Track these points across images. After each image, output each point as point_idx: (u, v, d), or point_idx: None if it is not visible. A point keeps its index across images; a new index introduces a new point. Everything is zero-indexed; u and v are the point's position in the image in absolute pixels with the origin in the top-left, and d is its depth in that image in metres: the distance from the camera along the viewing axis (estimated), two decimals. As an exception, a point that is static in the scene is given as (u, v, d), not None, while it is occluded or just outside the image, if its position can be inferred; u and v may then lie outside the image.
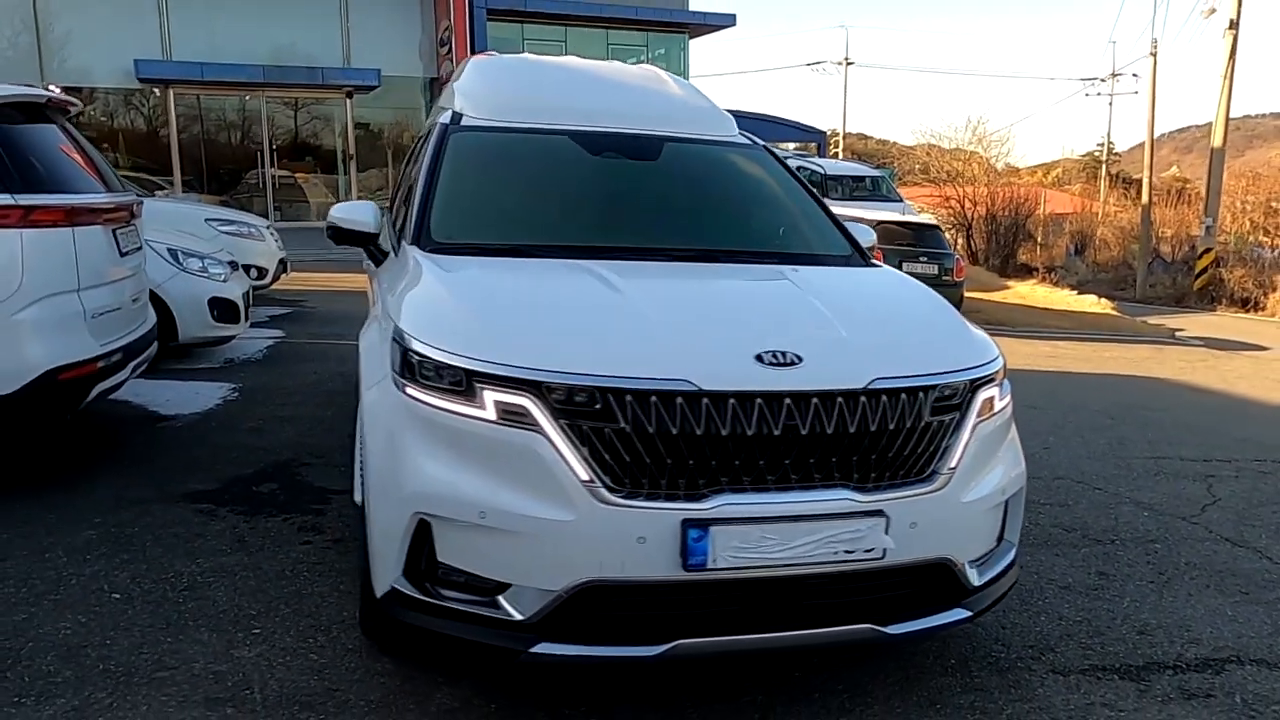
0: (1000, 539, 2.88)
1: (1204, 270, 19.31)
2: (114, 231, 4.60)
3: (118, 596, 3.28)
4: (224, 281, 7.03)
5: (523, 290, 2.90)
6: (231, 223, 9.37)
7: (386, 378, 2.63)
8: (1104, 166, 40.11)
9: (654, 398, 2.35)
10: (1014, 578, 2.94)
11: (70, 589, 3.32)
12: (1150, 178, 23.88)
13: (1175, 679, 3.02)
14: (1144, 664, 3.11)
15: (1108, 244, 29.62)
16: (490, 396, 2.38)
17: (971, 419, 2.66)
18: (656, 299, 2.81)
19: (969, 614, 2.71)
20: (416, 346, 2.53)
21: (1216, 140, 19.51)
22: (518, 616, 2.40)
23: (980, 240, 27.53)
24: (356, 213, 3.60)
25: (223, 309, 6.94)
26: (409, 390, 2.52)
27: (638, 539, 2.34)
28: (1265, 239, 23.39)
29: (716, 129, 4.22)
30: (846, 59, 39.44)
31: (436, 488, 2.43)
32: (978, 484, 2.69)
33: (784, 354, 2.47)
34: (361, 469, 3.84)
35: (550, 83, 4.32)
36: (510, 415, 2.37)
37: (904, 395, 2.52)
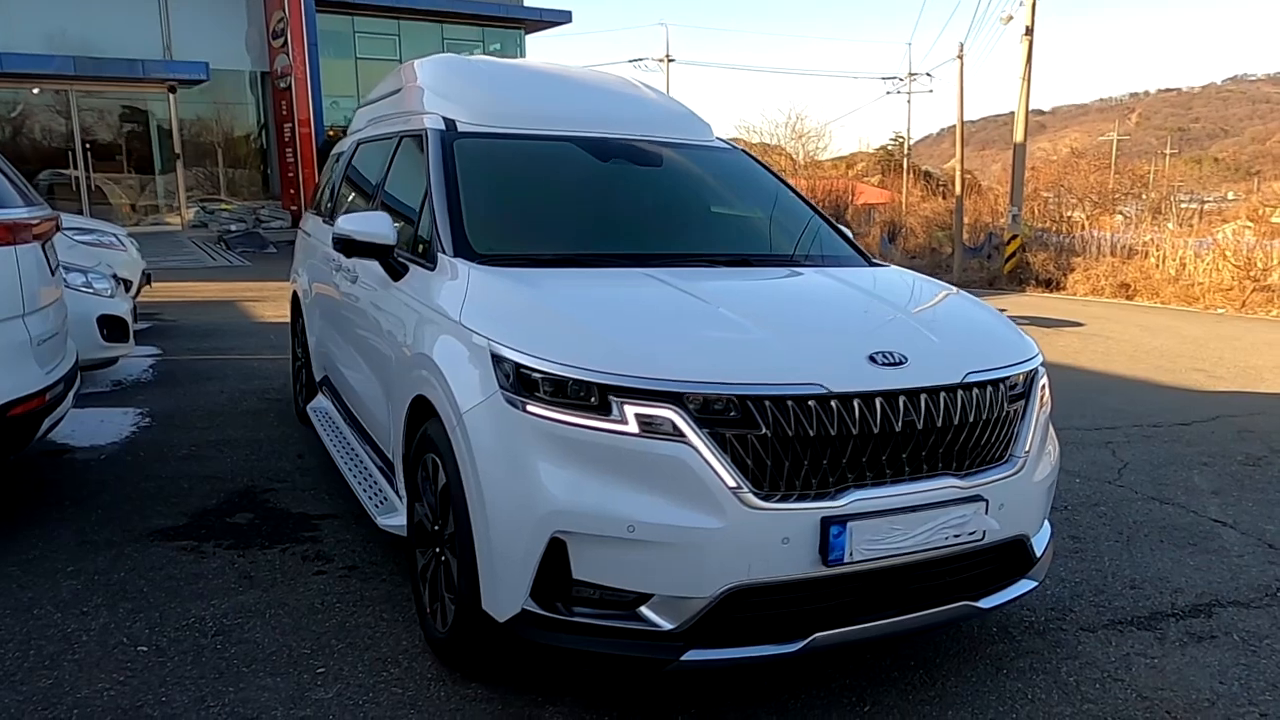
0: (1042, 514, 3.15)
1: (1013, 254, 21.15)
2: (43, 249, 4.16)
3: (145, 649, 3.01)
4: (111, 297, 6.45)
5: (613, 301, 2.88)
6: (88, 231, 8.54)
7: (495, 395, 2.55)
8: (907, 160, 43.10)
9: (790, 402, 2.43)
10: (1053, 547, 3.23)
11: (86, 647, 3.01)
12: (962, 171, 25.89)
13: (1181, 625, 3.40)
14: (1149, 614, 3.48)
15: (914, 232, 31.79)
16: (631, 410, 2.38)
17: (1035, 406, 2.91)
18: (740, 305, 2.87)
19: (1036, 583, 2.96)
20: (532, 363, 2.49)
21: (1018, 136, 21.44)
22: (666, 626, 2.42)
23: (805, 231, 28.84)
24: (372, 224, 3.43)
25: (112, 327, 6.36)
26: (530, 408, 2.47)
27: (782, 540, 2.41)
28: (1051, 225, 25.80)
29: (701, 134, 4.30)
30: (668, 55, 40.19)
31: (578, 506, 2.40)
32: (1042, 465, 2.93)
33: (892, 354, 2.61)
34: (408, 492, 3.63)
35: (536, 88, 4.25)
36: (653, 427, 2.38)
37: (990, 387, 2.72)
